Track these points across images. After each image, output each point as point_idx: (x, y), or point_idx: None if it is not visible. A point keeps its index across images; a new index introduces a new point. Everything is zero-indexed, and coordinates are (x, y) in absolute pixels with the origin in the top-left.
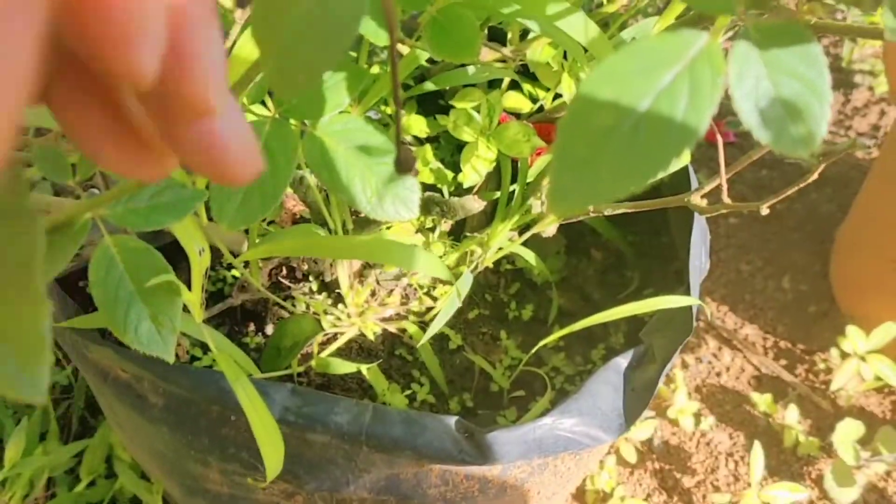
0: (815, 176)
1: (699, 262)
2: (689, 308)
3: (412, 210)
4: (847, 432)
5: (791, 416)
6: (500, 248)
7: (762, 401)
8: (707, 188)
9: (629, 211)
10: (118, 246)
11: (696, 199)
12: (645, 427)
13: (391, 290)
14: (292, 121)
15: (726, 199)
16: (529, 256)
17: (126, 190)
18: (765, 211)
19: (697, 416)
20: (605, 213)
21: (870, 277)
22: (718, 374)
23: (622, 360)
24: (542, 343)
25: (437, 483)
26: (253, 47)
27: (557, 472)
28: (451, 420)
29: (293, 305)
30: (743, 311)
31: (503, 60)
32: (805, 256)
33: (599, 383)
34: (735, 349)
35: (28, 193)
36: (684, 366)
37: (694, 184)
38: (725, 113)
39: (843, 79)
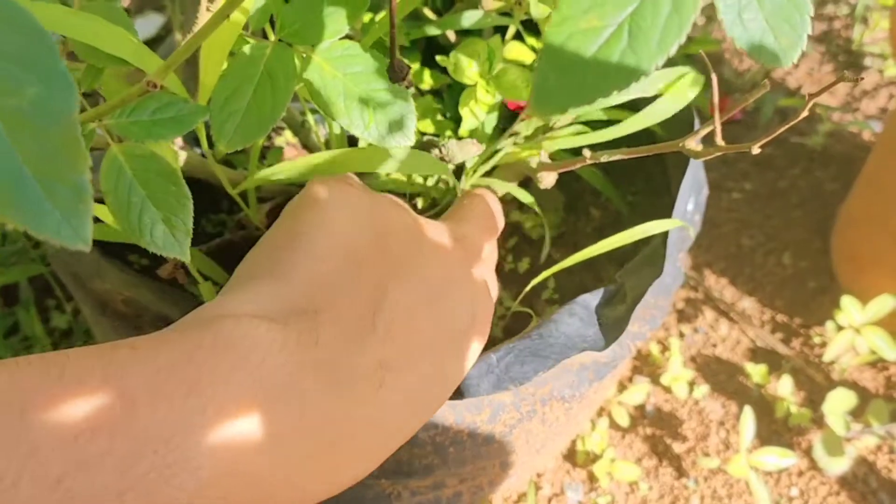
0: (805, 113)
1: (684, 207)
2: (664, 248)
3: (408, 136)
4: (838, 402)
5: (784, 388)
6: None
7: (756, 372)
8: (702, 132)
9: (626, 157)
10: (125, 154)
11: (691, 144)
12: (638, 392)
13: None
14: (293, 45)
15: (720, 142)
16: (525, 196)
17: (128, 98)
18: (756, 150)
19: (691, 385)
20: (602, 160)
21: (870, 251)
22: (714, 346)
23: (591, 297)
24: (528, 286)
25: (426, 427)
26: None
27: (546, 421)
28: None
29: None
30: (742, 285)
31: (508, 13)
32: (807, 233)
33: (563, 314)
34: (732, 321)
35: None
36: (680, 335)
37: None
38: (733, 90)
39: (852, 61)
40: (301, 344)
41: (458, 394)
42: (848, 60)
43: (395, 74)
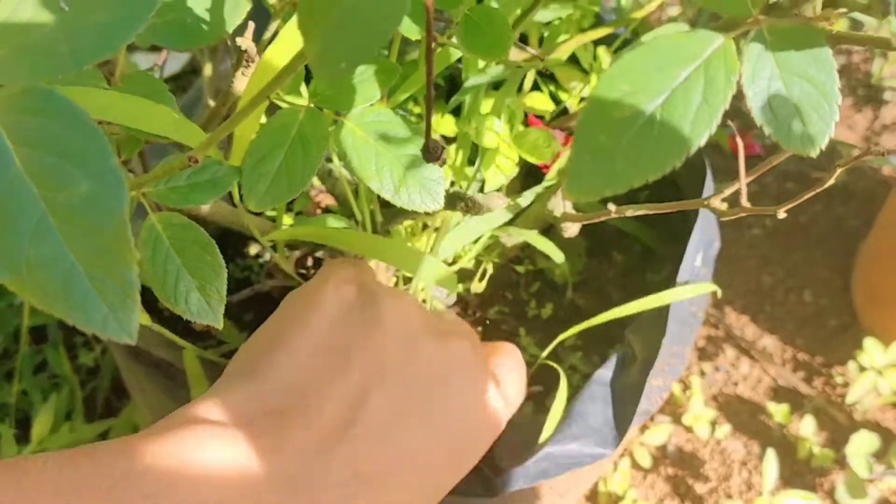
0: (832, 181)
1: (692, 263)
2: (666, 309)
3: (437, 201)
4: (861, 444)
5: (806, 428)
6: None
7: (778, 411)
8: (727, 192)
9: (650, 213)
10: (163, 223)
11: (716, 203)
12: (659, 432)
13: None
14: (325, 110)
15: (745, 203)
16: (549, 248)
17: (169, 170)
18: (782, 215)
19: (713, 424)
20: (627, 215)
21: (892, 289)
22: (735, 384)
23: (605, 371)
24: (559, 339)
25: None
26: (292, 40)
27: (573, 471)
28: None
29: None
30: (763, 323)
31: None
32: (828, 271)
33: (587, 401)
34: (753, 360)
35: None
36: (701, 374)
37: (709, 190)
38: (752, 125)
39: (872, 95)
40: (263, 452)
41: (491, 490)
42: (867, 94)
43: (430, 155)
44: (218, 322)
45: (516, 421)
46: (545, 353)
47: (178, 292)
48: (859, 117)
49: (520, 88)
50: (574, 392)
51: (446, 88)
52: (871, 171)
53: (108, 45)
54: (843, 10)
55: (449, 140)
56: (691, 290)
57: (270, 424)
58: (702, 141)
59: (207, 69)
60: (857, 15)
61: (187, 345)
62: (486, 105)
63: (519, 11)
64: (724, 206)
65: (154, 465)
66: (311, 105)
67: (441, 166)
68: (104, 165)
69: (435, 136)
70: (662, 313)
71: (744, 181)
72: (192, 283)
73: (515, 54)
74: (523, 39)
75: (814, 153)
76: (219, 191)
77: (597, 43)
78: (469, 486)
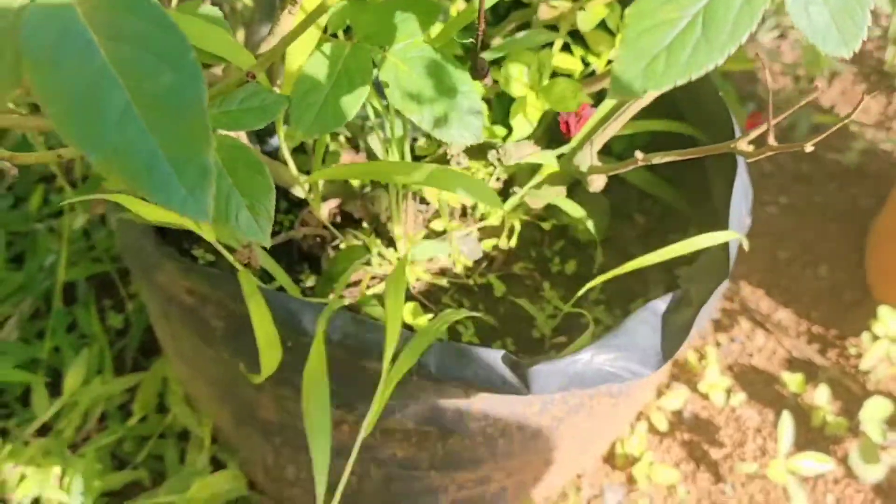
0: (819, 93)
1: (738, 211)
2: (727, 254)
3: (476, 134)
4: (874, 410)
5: (820, 397)
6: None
7: (792, 381)
8: (753, 134)
9: (677, 159)
10: (217, 143)
11: (742, 145)
12: (676, 397)
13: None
14: (370, 46)
15: (772, 142)
16: (571, 208)
17: (225, 88)
18: (809, 148)
19: (728, 392)
20: (654, 162)
21: None
22: (750, 355)
23: (660, 303)
24: (583, 290)
25: (478, 417)
26: None
27: (593, 415)
28: (499, 353)
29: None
30: (778, 297)
31: (555, 27)
32: (842, 247)
33: (637, 322)
34: (768, 332)
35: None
36: (717, 345)
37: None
38: (767, 108)
39: (884, 81)
40: None
41: (526, 386)
42: (880, 80)
43: (477, 73)
44: (266, 240)
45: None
46: (569, 305)
47: (229, 209)
48: (873, 103)
49: (551, 46)
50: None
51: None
52: (884, 154)
53: None
54: None
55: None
56: (722, 236)
57: None
58: (742, 40)
59: (240, 36)
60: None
61: (239, 265)
62: (517, 60)
63: None
64: (750, 148)
65: None
66: (356, 40)
67: (486, 84)
68: (185, 59)
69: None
70: (720, 260)
71: (771, 122)
72: (243, 201)
73: (545, 12)
74: None
75: (847, 54)
76: (268, 116)
77: (625, 4)
78: (500, 377)
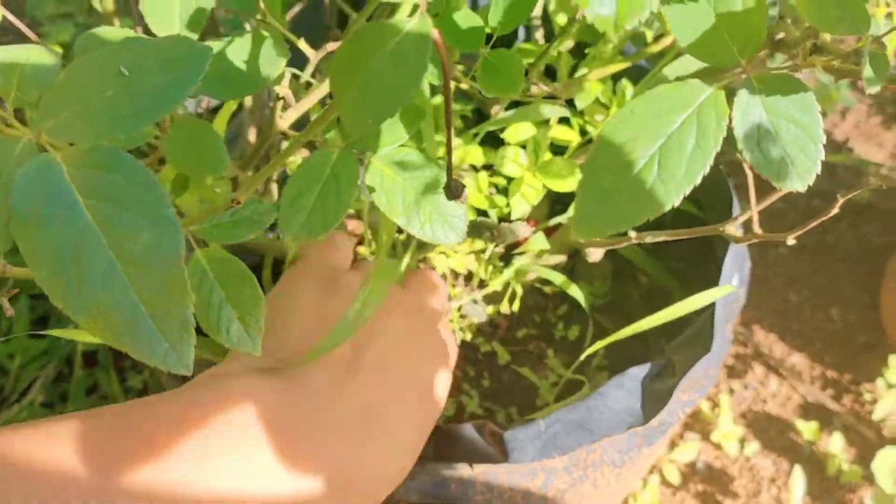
0: (836, 210)
1: (729, 283)
2: (711, 327)
3: (459, 235)
4: (888, 459)
5: (835, 445)
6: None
7: (807, 428)
8: (742, 218)
9: (669, 239)
10: (207, 258)
11: (731, 229)
12: (689, 449)
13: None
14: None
15: (757, 230)
16: (565, 284)
17: (213, 210)
18: (791, 241)
19: (742, 442)
20: (647, 241)
21: None
22: (764, 402)
23: (639, 370)
24: (581, 357)
25: (482, 490)
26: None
27: (597, 486)
28: (470, 426)
29: None
30: (790, 341)
31: (553, 96)
32: (854, 288)
33: (613, 387)
34: (782, 377)
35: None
36: (730, 391)
37: (737, 211)
38: None
39: None
40: (291, 383)
41: (504, 454)
42: (895, 113)
43: (451, 193)
44: (256, 350)
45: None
46: (571, 369)
47: (220, 322)
48: (888, 135)
49: (548, 121)
50: None
51: (474, 120)
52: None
53: (165, 105)
54: (828, 56)
55: (477, 168)
56: (712, 294)
57: (293, 368)
58: (696, 180)
59: (248, 101)
60: None
61: None
62: (514, 135)
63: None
64: (738, 233)
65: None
66: (344, 146)
67: (462, 204)
68: (163, 214)
69: (458, 173)
70: (706, 329)
71: (755, 209)
72: (234, 313)
73: (537, 89)
74: (551, 74)
75: (802, 189)
76: (259, 226)
77: (618, 77)
78: (482, 450)
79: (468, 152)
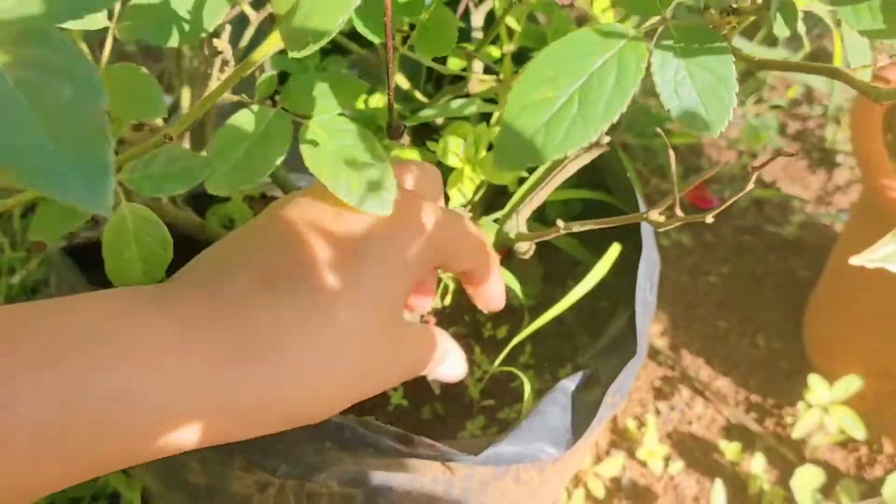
0: (751, 186)
1: (644, 293)
2: (633, 333)
3: (386, 208)
4: (806, 478)
5: (757, 466)
6: None
7: (730, 449)
8: (663, 205)
9: (595, 227)
10: (133, 214)
11: (654, 215)
12: (614, 464)
13: None
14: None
15: (678, 212)
16: (505, 276)
17: (145, 148)
18: (710, 219)
19: (666, 460)
20: (574, 230)
21: (837, 335)
22: (690, 423)
23: (569, 383)
24: (505, 351)
25: (403, 481)
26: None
27: (520, 481)
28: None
29: None
30: (717, 365)
31: (493, 100)
32: (780, 317)
33: (549, 403)
34: (707, 400)
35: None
36: (657, 412)
37: (640, 200)
38: (711, 181)
39: (825, 158)
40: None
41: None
42: (821, 157)
43: (393, 132)
44: None
45: (468, 436)
46: (496, 364)
47: (130, 274)
48: (813, 178)
49: (489, 120)
50: (537, 396)
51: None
52: (822, 227)
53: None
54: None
55: None
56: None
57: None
58: (614, 118)
59: (185, 97)
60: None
61: None
62: (454, 132)
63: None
64: (661, 218)
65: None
66: (280, 108)
67: (403, 145)
68: (87, 77)
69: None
70: (627, 336)
71: (676, 194)
72: (141, 269)
73: (475, 85)
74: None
75: (714, 135)
76: (191, 181)
77: None
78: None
79: (405, 152)
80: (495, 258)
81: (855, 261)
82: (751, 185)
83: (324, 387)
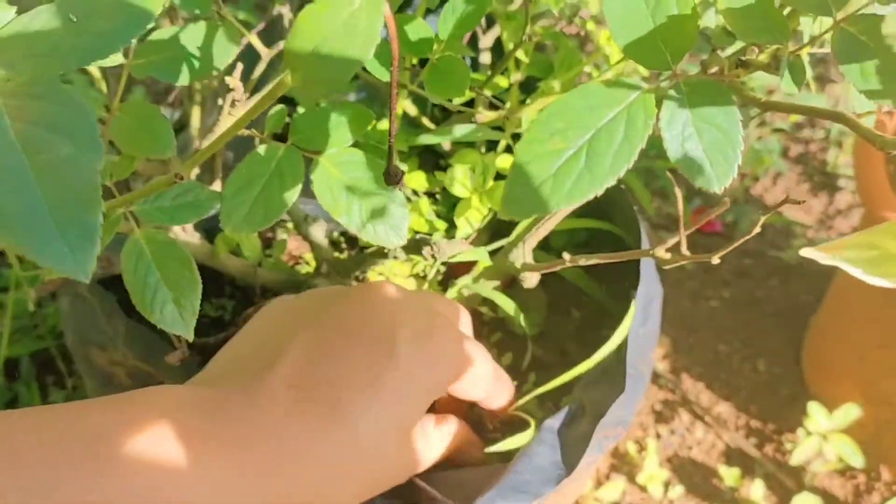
0: (758, 229)
1: (640, 321)
2: (622, 366)
3: (401, 237)
4: None
5: (756, 492)
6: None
7: (729, 475)
8: (670, 242)
9: (602, 262)
10: (146, 238)
11: (660, 252)
12: (613, 489)
13: None
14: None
15: (685, 251)
16: (508, 305)
17: (156, 187)
18: (716, 261)
19: (666, 485)
20: (580, 264)
21: (837, 361)
22: (690, 448)
23: (554, 421)
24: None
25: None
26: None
27: None
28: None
29: None
30: (718, 390)
31: (500, 128)
32: (781, 342)
33: (536, 444)
34: (708, 425)
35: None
36: (657, 436)
37: (646, 244)
38: (713, 203)
39: (827, 182)
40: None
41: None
42: (823, 181)
43: (390, 178)
44: (189, 334)
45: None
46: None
47: (154, 302)
48: (815, 202)
49: (496, 148)
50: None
51: (419, 149)
52: None
53: (107, 47)
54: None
55: (420, 195)
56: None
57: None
58: (620, 173)
59: (195, 118)
60: None
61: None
62: (462, 161)
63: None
64: (667, 256)
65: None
66: (291, 144)
67: (399, 189)
68: (88, 135)
69: (407, 190)
70: (609, 372)
71: (683, 233)
72: (169, 295)
73: (481, 117)
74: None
75: (718, 189)
76: (201, 212)
77: None
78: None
79: (412, 177)
80: (510, 386)
81: (805, 253)
82: (757, 229)
83: (340, 495)
